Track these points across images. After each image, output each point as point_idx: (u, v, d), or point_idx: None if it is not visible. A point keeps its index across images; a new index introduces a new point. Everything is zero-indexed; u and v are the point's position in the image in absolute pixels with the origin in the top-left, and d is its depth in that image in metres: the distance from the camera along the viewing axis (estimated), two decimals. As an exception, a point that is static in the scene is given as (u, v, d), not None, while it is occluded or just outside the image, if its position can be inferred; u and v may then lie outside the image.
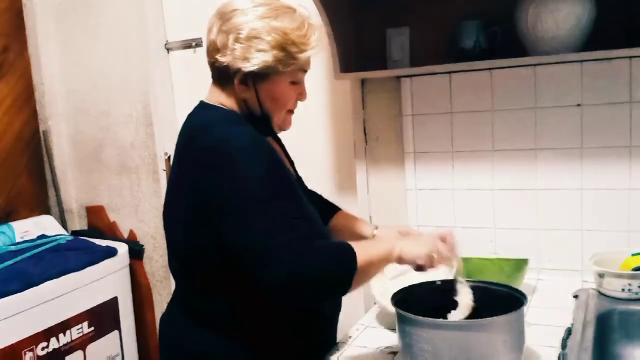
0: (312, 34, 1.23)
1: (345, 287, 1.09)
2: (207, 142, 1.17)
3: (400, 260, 1.16)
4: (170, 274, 2.38)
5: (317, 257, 1.07)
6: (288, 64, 1.21)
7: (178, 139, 1.31)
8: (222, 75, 1.25)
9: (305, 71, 1.28)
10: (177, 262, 1.29)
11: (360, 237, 1.50)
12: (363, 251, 1.11)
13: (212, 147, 1.15)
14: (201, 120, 1.25)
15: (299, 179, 1.41)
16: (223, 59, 1.21)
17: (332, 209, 1.56)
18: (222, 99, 1.27)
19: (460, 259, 1.22)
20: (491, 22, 1.66)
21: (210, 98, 1.29)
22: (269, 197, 1.10)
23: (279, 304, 1.16)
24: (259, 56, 1.18)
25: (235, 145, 1.14)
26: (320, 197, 1.56)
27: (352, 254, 1.09)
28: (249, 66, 1.19)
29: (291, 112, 1.31)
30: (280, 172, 1.18)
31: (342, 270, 1.09)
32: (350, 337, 1.42)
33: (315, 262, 1.06)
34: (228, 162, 1.12)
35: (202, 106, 1.30)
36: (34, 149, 2.52)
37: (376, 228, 1.52)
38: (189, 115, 1.31)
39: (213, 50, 1.23)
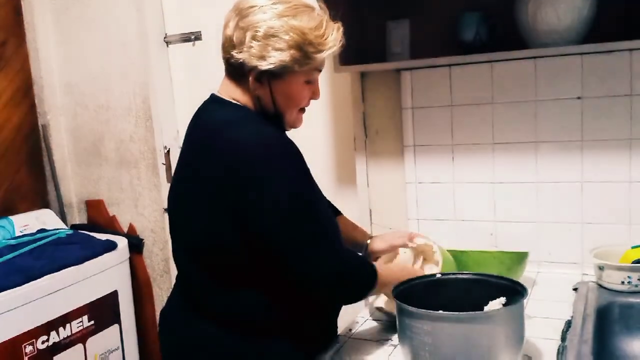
0: (330, 34, 1.22)
1: (362, 298, 1.30)
2: (233, 141, 1.16)
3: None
4: (170, 267, 2.41)
5: (353, 264, 1.24)
6: (304, 63, 1.20)
7: (192, 132, 1.29)
8: (237, 71, 1.24)
9: (320, 70, 1.28)
10: (188, 256, 1.28)
11: (356, 246, 1.54)
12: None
13: (242, 147, 1.15)
14: (218, 117, 1.24)
15: None
16: (239, 55, 1.20)
17: (333, 212, 1.57)
18: (235, 94, 1.26)
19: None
20: (492, 14, 1.66)
21: (223, 92, 1.28)
22: (309, 199, 1.18)
23: (311, 298, 1.24)
24: (276, 55, 1.18)
25: (266, 145, 1.16)
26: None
27: (374, 271, 1.26)
28: (265, 65, 1.18)
29: (303, 110, 1.31)
30: (309, 172, 1.21)
31: (367, 283, 1.26)
32: (350, 330, 1.42)
33: (352, 267, 1.23)
34: (263, 164, 1.14)
35: (216, 100, 1.28)
36: (32, 143, 2.51)
37: (370, 238, 1.55)
38: (202, 109, 1.30)
39: (229, 46, 1.22)
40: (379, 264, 1.35)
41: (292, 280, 1.16)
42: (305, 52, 1.19)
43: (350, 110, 1.96)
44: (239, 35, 1.20)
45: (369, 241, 1.54)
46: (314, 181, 1.22)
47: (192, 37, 2.30)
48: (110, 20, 2.37)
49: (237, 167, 1.14)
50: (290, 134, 1.46)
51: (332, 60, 1.77)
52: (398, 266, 1.43)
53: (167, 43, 2.37)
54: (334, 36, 1.23)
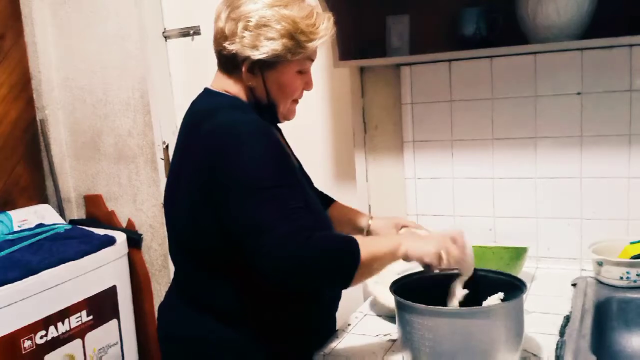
0: (320, 23, 1.23)
1: (347, 281, 1.10)
2: (213, 125, 1.17)
3: (407, 257, 1.14)
4: (169, 262, 2.41)
5: (317, 248, 1.07)
6: (296, 52, 1.21)
7: (182, 125, 1.30)
8: (229, 63, 1.24)
9: (312, 60, 1.28)
10: (179, 248, 1.29)
11: (355, 228, 1.53)
12: (367, 246, 1.11)
13: (218, 131, 1.16)
14: (206, 105, 1.25)
15: (301, 167, 1.41)
16: (231, 46, 1.20)
17: (327, 201, 1.57)
18: (228, 86, 1.26)
19: (471, 260, 1.18)
20: (492, 9, 1.66)
21: (215, 85, 1.29)
22: (273, 184, 1.11)
23: (273, 288, 1.15)
24: (268, 44, 1.18)
25: (241, 129, 1.15)
26: (315, 188, 1.56)
27: (355, 248, 1.09)
28: (257, 54, 1.19)
29: (296, 101, 1.31)
30: (284, 159, 1.19)
31: (345, 264, 1.09)
32: (349, 325, 1.42)
33: (315, 252, 1.07)
34: (234, 146, 1.13)
35: (207, 92, 1.30)
36: (31, 138, 2.51)
37: (371, 219, 1.53)
38: (193, 102, 1.31)
39: (221, 38, 1.23)
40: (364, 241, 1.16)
41: (251, 266, 1.08)
42: (297, 41, 1.20)
43: (349, 106, 1.96)
44: (231, 26, 1.20)
45: (370, 221, 1.53)
46: (288, 167, 1.19)
47: (191, 32, 2.30)
48: (109, 15, 2.37)
49: (210, 152, 1.14)
50: (290, 129, 1.47)
51: (331, 55, 1.77)
52: (390, 238, 1.27)
53: (166, 37, 2.36)
54: (325, 25, 1.24)
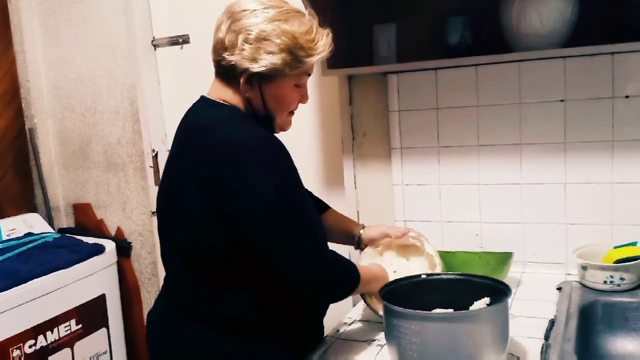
0: (320, 39, 1.25)
1: (345, 297, 1.27)
2: (219, 140, 1.17)
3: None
4: (159, 270, 2.41)
5: (340, 263, 1.24)
6: (295, 67, 1.22)
7: (178, 134, 1.30)
8: (228, 73, 1.25)
9: (309, 75, 1.30)
10: (177, 257, 1.29)
11: (348, 236, 1.54)
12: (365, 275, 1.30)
13: (225, 146, 1.16)
14: (208, 117, 1.25)
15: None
16: (231, 57, 1.21)
17: (322, 207, 1.58)
18: (226, 96, 1.27)
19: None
20: (477, 18, 1.68)
21: (213, 94, 1.29)
22: (295, 199, 1.18)
23: (302, 302, 1.26)
24: (268, 58, 1.19)
25: (257, 144, 1.17)
26: (311, 194, 1.57)
27: (355, 268, 1.28)
28: (256, 67, 1.20)
29: (292, 113, 1.33)
30: (296, 174, 1.22)
31: (350, 285, 1.26)
32: (338, 331, 1.43)
33: (338, 268, 1.23)
34: (252, 162, 1.15)
35: (206, 101, 1.29)
36: (19, 147, 2.50)
37: (363, 227, 1.55)
38: (192, 111, 1.31)
39: (220, 48, 1.24)
40: (359, 265, 1.35)
41: (276, 281, 1.16)
42: (296, 56, 1.21)
43: (338, 113, 1.98)
44: (231, 38, 1.21)
45: (362, 230, 1.56)
46: (300, 182, 1.23)
47: (179, 40, 2.31)
48: (97, 23, 2.37)
49: (221, 167, 1.15)
50: (279, 137, 1.47)
51: (319, 63, 1.78)
52: (379, 267, 1.44)
53: (155, 46, 2.37)
54: (323, 41, 1.25)
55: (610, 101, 1.60)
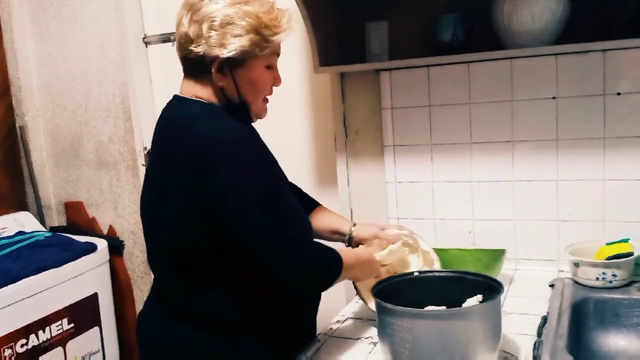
0: (282, 17, 1.25)
1: (330, 285, 1.24)
2: (198, 134, 1.17)
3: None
4: (150, 270, 2.40)
5: (324, 253, 1.21)
6: (263, 47, 1.23)
7: (156, 135, 1.30)
8: (197, 67, 1.25)
9: (278, 55, 1.31)
10: (162, 257, 1.29)
11: (339, 233, 1.53)
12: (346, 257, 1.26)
13: (203, 142, 1.16)
14: (184, 114, 1.24)
15: (281, 171, 1.42)
16: (198, 48, 1.21)
17: (312, 204, 1.58)
18: (197, 92, 1.27)
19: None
20: (468, 15, 1.68)
21: (185, 91, 1.29)
22: (274, 190, 1.16)
23: (278, 293, 1.22)
24: (236, 41, 1.20)
25: (231, 137, 1.17)
26: (300, 190, 1.57)
27: (340, 260, 1.24)
28: (225, 52, 1.20)
29: (266, 100, 1.33)
30: (272, 164, 1.22)
31: (334, 272, 1.23)
32: (331, 329, 1.43)
33: (324, 257, 1.21)
34: (227, 154, 1.14)
35: (179, 99, 1.29)
36: (10, 145, 2.49)
37: (354, 225, 1.54)
38: (165, 110, 1.31)
39: (186, 42, 1.23)
40: (345, 249, 1.34)
41: (259, 273, 1.15)
42: (263, 35, 1.22)
43: (330, 111, 1.97)
44: (195, 29, 1.21)
45: (353, 228, 1.54)
46: (277, 172, 1.23)
47: (171, 38, 2.30)
48: (88, 21, 2.36)
49: (199, 160, 1.15)
50: (272, 134, 1.48)
51: (311, 61, 1.78)
52: (365, 250, 1.42)
53: (147, 43, 2.36)
54: (285, 19, 1.26)
55: (602, 98, 1.60)
